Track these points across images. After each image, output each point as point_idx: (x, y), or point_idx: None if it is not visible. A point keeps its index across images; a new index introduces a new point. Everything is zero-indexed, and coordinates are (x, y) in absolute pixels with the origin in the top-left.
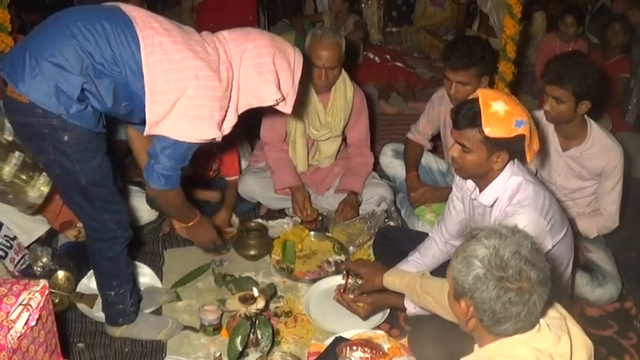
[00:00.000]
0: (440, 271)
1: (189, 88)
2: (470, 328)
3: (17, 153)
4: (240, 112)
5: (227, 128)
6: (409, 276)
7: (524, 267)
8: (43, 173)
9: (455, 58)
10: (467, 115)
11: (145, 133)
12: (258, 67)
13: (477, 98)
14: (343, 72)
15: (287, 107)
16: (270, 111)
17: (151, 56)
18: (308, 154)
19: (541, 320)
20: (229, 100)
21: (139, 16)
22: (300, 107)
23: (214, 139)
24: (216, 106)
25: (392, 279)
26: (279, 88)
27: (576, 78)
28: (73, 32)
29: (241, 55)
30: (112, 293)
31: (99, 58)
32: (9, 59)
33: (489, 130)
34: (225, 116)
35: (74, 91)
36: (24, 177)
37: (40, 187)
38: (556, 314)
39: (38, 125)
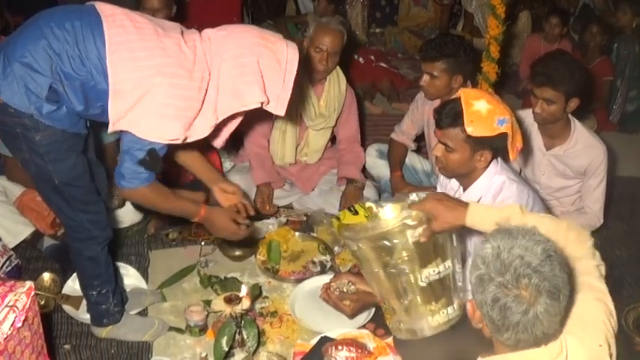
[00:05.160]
0: None
1: (154, 86)
2: (486, 334)
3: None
4: (222, 116)
5: (203, 131)
6: (506, 212)
7: (524, 272)
8: (450, 308)
9: (426, 49)
10: (449, 114)
11: (109, 130)
12: (239, 67)
13: (459, 97)
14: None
15: (279, 109)
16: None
17: (116, 54)
18: (297, 147)
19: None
20: (203, 101)
21: (111, 14)
22: (295, 98)
23: (177, 139)
24: (182, 106)
25: (479, 217)
26: (265, 90)
27: (566, 77)
28: (44, 32)
29: (222, 56)
30: (94, 293)
31: (66, 59)
32: None
33: (472, 129)
34: (195, 118)
35: (42, 91)
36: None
37: (438, 321)
38: None
39: (12, 124)
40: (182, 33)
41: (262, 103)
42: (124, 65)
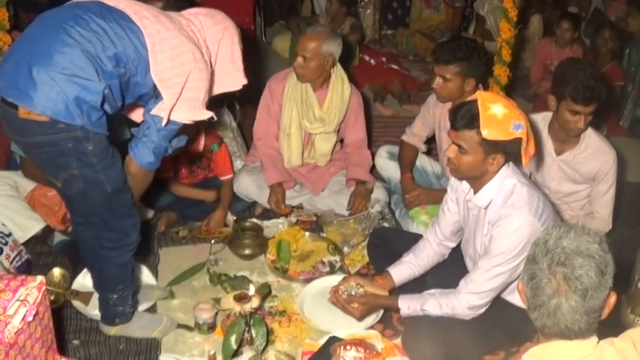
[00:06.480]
0: (440, 272)
1: (192, 70)
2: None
3: None
4: (210, 96)
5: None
6: None
7: (558, 260)
8: None
9: (439, 52)
10: (465, 116)
11: (164, 122)
12: (231, 55)
13: (476, 100)
14: (342, 72)
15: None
16: (264, 110)
17: (155, 45)
18: (304, 150)
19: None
20: (210, 82)
21: (127, 6)
22: (297, 101)
23: (211, 118)
24: (206, 88)
25: None
26: (244, 72)
27: (604, 88)
28: (75, 39)
29: (218, 43)
30: (115, 296)
31: (105, 59)
32: (10, 82)
33: (487, 133)
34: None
35: (97, 98)
36: None
37: None
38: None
39: (62, 141)
40: (175, 18)
41: (243, 85)
42: (163, 55)
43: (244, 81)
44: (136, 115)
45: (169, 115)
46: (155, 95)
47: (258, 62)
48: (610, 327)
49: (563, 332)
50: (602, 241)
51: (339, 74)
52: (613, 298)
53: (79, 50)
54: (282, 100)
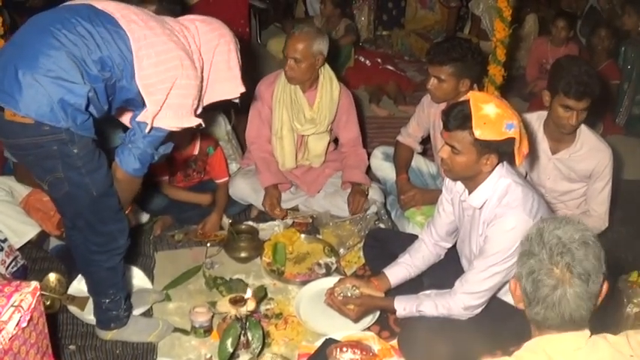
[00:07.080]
0: (436, 273)
1: (178, 77)
2: (526, 316)
3: None
4: (205, 104)
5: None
6: None
7: (558, 251)
8: None
9: (434, 53)
10: (458, 116)
11: (147, 129)
12: (227, 62)
13: (468, 100)
14: (330, 71)
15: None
16: (255, 114)
17: (141, 50)
18: (297, 153)
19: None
20: (201, 89)
21: (116, 9)
22: (286, 104)
23: (199, 125)
24: (195, 95)
25: None
26: (242, 80)
27: (598, 84)
28: (61, 42)
29: (214, 50)
30: (107, 301)
31: (91, 63)
32: None
33: (480, 133)
34: (197, 105)
35: (82, 101)
36: None
37: None
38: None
39: (47, 143)
40: (168, 23)
41: (241, 93)
42: (149, 60)
43: (242, 89)
44: (129, 120)
45: (152, 121)
46: (143, 101)
47: (253, 65)
48: None
49: (564, 323)
50: (589, 229)
51: (327, 74)
52: (605, 286)
53: (64, 53)
54: (272, 103)
